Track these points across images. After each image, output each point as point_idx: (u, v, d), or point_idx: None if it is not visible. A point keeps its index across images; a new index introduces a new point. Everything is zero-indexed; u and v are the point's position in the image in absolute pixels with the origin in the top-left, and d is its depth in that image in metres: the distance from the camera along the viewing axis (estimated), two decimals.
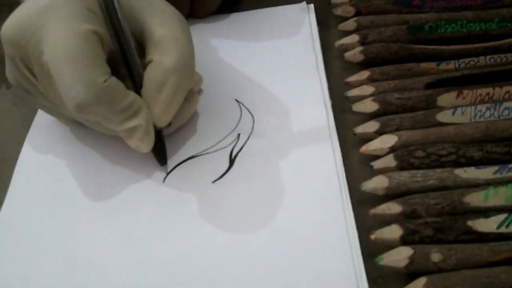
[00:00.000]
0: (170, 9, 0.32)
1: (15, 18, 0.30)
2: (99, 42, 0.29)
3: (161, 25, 0.31)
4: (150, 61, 0.31)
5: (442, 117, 0.32)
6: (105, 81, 0.29)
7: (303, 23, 0.42)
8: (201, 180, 0.33)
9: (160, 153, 0.33)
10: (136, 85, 0.31)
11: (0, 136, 0.38)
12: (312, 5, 0.43)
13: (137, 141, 0.31)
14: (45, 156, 0.35)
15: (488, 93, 0.33)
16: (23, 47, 0.30)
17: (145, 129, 0.30)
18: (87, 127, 0.35)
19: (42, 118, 0.38)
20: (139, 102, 0.30)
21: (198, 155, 0.34)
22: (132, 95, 0.30)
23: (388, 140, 0.32)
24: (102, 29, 0.30)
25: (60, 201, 0.33)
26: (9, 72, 0.32)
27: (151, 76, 0.31)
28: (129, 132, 0.30)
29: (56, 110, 0.34)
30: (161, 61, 0.30)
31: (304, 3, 0.43)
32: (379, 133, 0.32)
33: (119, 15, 0.30)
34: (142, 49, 0.32)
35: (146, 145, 0.31)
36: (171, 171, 0.33)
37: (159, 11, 0.31)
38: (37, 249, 0.31)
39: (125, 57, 0.31)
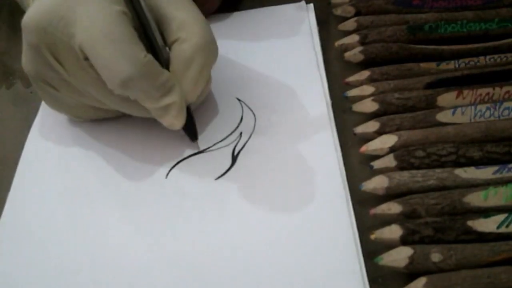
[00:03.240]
0: None
1: (40, 5, 0.30)
2: (129, 22, 0.30)
3: (179, 9, 0.32)
4: (175, 41, 0.32)
5: (442, 117, 0.33)
6: (145, 56, 0.29)
7: (303, 22, 0.42)
8: (204, 177, 0.33)
9: (190, 130, 0.34)
10: (162, 66, 0.31)
11: (0, 136, 0.38)
12: (311, 5, 0.43)
13: (171, 118, 0.31)
14: (47, 155, 0.36)
15: (488, 93, 0.33)
16: (49, 33, 0.30)
17: (179, 106, 0.31)
18: (92, 124, 0.35)
19: (43, 118, 0.38)
20: (173, 79, 0.31)
21: (201, 152, 0.34)
22: (166, 72, 0.31)
23: (388, 140, 0.32)
24: (128, 10, 0.30)
25: (62, 199, 0.33)
26: (30, 62, 0.32)
27: (178, 54, 0.31)
28: (164, 109, 0.31)
29: (74, 103, 0.34)
30: (187, 39, 0.31)
31: (303, 2, 0.43)
32: (379, 133, 0.32)
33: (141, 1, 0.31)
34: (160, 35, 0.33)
35: (179, 121, 0.32)
36: (173, 167, 0.34)
37: None
38: (39, 248, 0.31)
39: (149, 38, 0.31)
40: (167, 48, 0.32)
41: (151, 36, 0.31)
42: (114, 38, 0.29)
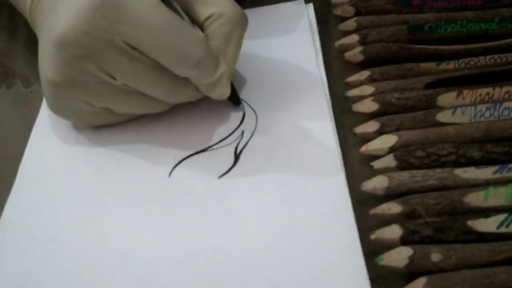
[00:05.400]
0: None
1: (74, 13, 0.29)
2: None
3: None
4: (209, 17, 0.33)
5: (442, 117, 0.33)
6: (202, 33, 0.31)
7: (303, 21, 0.42)
8: (207, 176, 0.33)
9: (235, 96, 0.35)
10: None
11: (0, 136, 0.38)
12: (311, 4, 0.43)
13: (223, 88, 0.33)
14: (49, 155, 0.36)
15: (488, 93, 0.33)
16: (90, 37, 0.29)
17: (227, 74, 0.32)
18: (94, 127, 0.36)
19: (44, 117, 0.38)
20: (216, 49, 0.32)
21: (203, 151, 0.34)
22: (210, 44, 0.32)
23: (388, 140, 0.32)
24: None
25: (64, 198, 0.33)
26: (61, 74, 0.31)
27: (217, 30, 0.32)
28: (217, 81, 0.32)
29: (90, 110, 0.33)
30: (223, 14, 0.32)
31: (302, 1, 0.43)
32: (379, 133, 0.32)
33: None
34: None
35: (228, 89, 0.33)
36: (176, 166, 0.34)
37: None
38: (40, 248, 0.31)
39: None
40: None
41: (180, 15, 0.32)
42: (171, 23, 0.30)
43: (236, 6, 0.33)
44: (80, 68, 0.31)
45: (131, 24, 0.29)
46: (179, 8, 0.32)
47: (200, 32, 0.31)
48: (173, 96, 0.33)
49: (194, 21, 0.33)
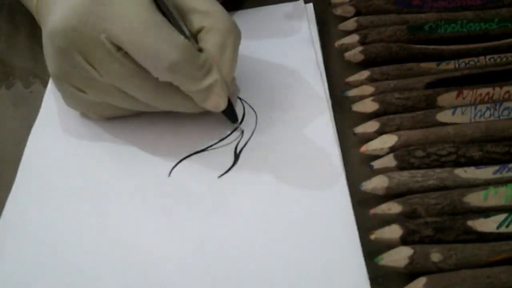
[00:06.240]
0: None
1: (66, 7, 0.30)
2: (157, 10, 0.31)
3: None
4: (199, 30, 0.33)
5: (442, 117, 0.33)
6: (184, 38, 0.30)
7: (302, 21, 0.42)
8: (207, 175, 0.33)
9: (231, 111, 0.35)
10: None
11: (0, 136, 0.38)
12: (311, 4, 0.43)
13: (217, 97, 0.32)
14: (49, 154, 0.36)
15: (488, 93, 0.33)
16: (79, 32, 0.30)
17: (221, 83, 0.32)
18: (93, 124, 0.36)
19: (44, 117, 0.38)
20: (210, 58, 0.32)
21: (203, 151, 0.34)
22: (202, 52, 0.32)
23: (388, 140, 0.32)
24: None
25: (64, 198, 0.33)
26: (57, 66, 0.33)
27: (210, 40, 0.33)
28: (207, 90, 0.32)
29: (97, 102, 0.34)
30: (214, 26, 0.33)
31: (301, 1, 0.43)
32: (379, 133, 0.32)
33: None
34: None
35: (223, 100, 0.33)
36: (176, 165, 0.34)
37: None
38: (40, 247, 0.31)
39: (174, 26, 0.32)
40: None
41: (175, 24, 0.32)
42: (153, 25, 0.30)
43: (228, 16, 0.33)
44: (71, 62, 0.31)
45: (115, 22, 0.29)
46: (172, 10, 0.32)
47: (182, 37, 0.30)
48: (160, 102, 0.33)
49: (190, 31, 0.33)
